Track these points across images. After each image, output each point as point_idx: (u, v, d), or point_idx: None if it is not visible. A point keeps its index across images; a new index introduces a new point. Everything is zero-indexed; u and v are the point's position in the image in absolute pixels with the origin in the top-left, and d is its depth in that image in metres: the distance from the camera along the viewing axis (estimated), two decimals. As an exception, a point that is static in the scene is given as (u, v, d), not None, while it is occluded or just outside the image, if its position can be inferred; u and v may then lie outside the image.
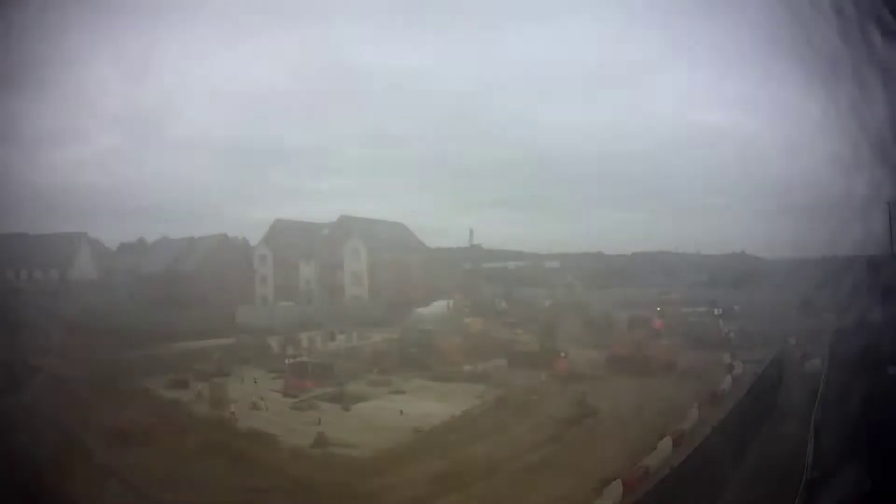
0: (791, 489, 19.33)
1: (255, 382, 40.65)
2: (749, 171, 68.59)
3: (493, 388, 38.35)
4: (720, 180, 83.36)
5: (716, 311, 61.11)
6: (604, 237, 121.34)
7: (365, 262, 72.35)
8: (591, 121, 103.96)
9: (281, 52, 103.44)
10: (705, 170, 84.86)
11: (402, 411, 33.55)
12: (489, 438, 29.65)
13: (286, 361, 44.41)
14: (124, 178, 68.43)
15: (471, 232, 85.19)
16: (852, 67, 15.85)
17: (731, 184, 74.24)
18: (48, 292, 59.34)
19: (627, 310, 60.80)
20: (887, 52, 14.31)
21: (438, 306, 65.01)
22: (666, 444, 26.95)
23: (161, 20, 67.80)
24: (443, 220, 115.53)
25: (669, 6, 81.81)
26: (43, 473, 20.37)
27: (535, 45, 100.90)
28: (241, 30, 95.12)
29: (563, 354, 44.23)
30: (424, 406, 35.02)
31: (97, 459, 23.82)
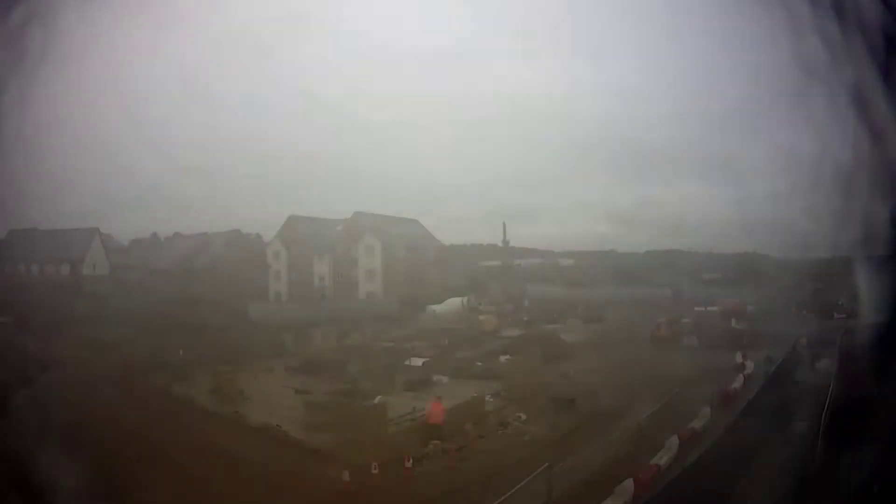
0: (800, 489, 19.42)
1: (269, 378, 41.06)
2: (750, 170, 68.45)
3: (506, 385, 38.53)
4: (723, 178, 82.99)
5: None
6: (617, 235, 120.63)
7: (379, 258, 72.74)
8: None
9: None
10: (708, 170, 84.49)
11: (414, 408, 33.80)
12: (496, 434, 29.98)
13: (300, 358, 44.92)
14: (137, 173, 68.66)
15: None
16: (852, 68, 15.91)
17: (734, 183, 74.09)
18: (59, 287, 59.99)
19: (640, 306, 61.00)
20: (887, 52, 14.39)
21: (453, 303, 65.29)
22: (677, 442, 27.06)
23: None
24: (458, 217, 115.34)
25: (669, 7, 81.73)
26: (48, 468, 20.55)
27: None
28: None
29: None
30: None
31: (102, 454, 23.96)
